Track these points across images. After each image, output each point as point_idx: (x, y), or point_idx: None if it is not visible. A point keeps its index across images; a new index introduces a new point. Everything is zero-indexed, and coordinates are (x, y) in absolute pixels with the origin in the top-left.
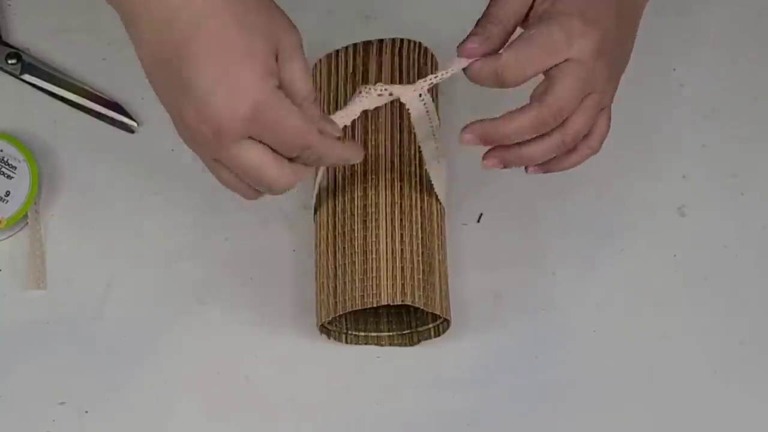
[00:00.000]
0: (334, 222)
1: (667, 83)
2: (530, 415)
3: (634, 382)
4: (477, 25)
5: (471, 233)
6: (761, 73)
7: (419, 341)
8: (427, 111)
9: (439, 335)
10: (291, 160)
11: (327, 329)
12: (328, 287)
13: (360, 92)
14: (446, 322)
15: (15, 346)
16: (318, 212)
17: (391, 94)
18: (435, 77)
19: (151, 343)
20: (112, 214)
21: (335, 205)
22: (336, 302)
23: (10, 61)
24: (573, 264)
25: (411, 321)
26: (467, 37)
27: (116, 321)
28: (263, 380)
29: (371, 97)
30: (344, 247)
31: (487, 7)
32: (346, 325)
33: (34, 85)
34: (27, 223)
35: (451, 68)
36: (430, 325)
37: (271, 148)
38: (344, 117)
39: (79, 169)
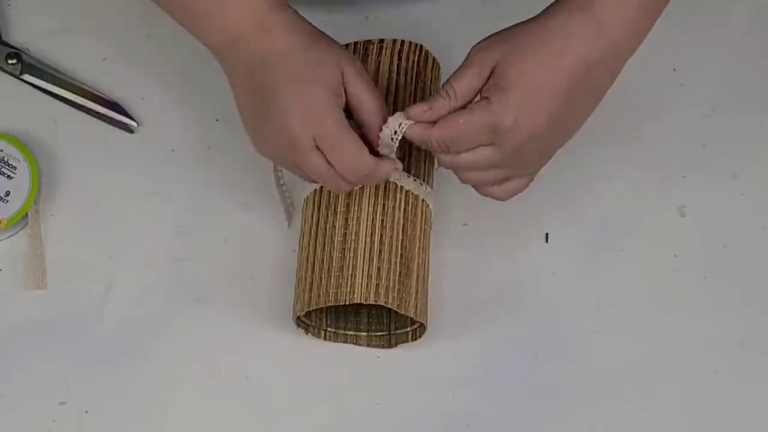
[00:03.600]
0: (318, 216)
1: (667, 83)
2: (530, 415)
3: (634, 382)
4: (443, 91)
5: (471, 233)
6: (761, 73)
7: (396, 344)
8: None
9: (416, 339)
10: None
11: (305, 324)
12: (305, 281)
13: None
14: (422, 327)
15: (15, 346)
16: (305, 205)
17: None
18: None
19: (151, 343)
20: (112, 214)
21: (320, 200)
22: (311, 297)
23: (10, 61)
24: (573, 264)
25: (390, 323)
26: (417, 104)
27: (116, 321)
28: (263, 380)
29: None
30: (324, 243)
31: (448, 80)
32: (326, 321)
33: (34, 85)
34: (27, 223)
35: (390, 125)
36: (408, 329)
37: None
38: None
39: (79, 169)
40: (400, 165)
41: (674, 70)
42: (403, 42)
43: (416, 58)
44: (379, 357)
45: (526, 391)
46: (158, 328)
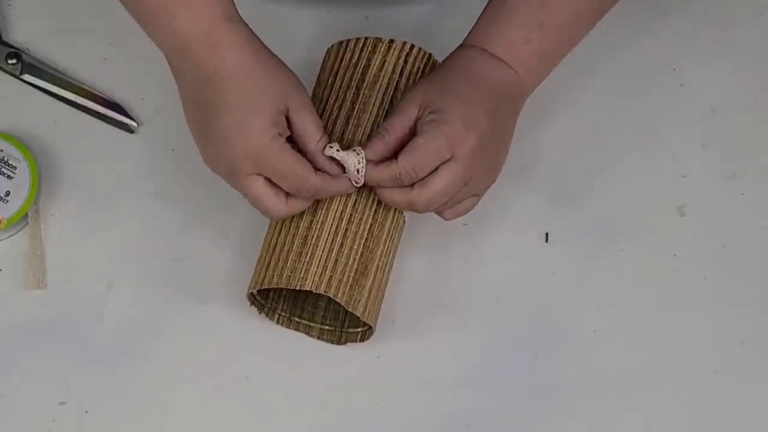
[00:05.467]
0: None
1: (667, 83)
2: (530, 414)
3: (634, 382)
4: (378, 132)
5: (471, 233)
6: (761, 73)
7: (346, 342)
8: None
9: (363, 340)
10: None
11: (260, 303)
12: (264, 260)
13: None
14: (370, 329)
15: (15, 346)
16: None
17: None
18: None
19: (151, 343)
20: (112, 214)
21: None
22: (265, 276)
23: (10, 61)
24: (573, 264)
25: (345, 320)
26: (371, 142)
27: (116, 321)
28: (263, 380)
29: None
30: (290, 227)
31: (385, 120)
32: (282, 305)
33: (34, 85)
34: (27, 223)
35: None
36: (359, 330)
37: (275, 184)
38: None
39: (79, 169)
40: (353, 182)
41: (674, 70)
42: (412, 46)
43: (422, 65)
44: (379, 357)
45: (526, 391)
46: (158, 328)
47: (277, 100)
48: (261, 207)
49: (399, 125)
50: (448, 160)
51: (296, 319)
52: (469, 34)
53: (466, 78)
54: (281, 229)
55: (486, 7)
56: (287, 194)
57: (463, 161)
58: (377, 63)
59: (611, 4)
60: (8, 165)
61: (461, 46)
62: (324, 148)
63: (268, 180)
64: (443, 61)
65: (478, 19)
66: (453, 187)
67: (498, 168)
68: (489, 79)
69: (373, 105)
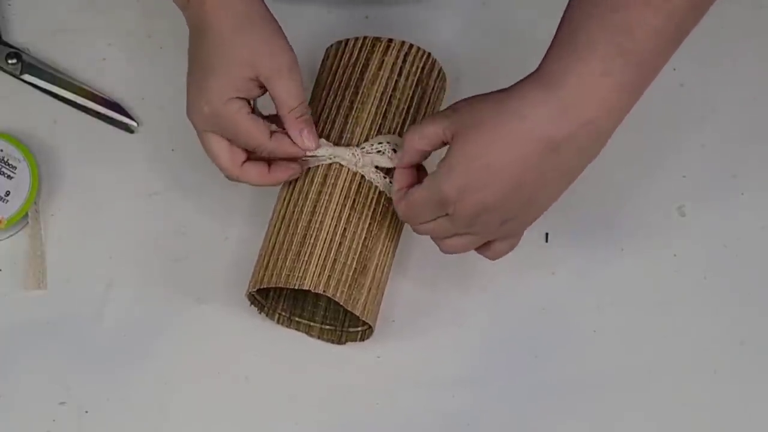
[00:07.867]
0: (290, 200)
1: (667, 83)
2: (530, 414)
3: (634, 382)
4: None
5: None
6: (761, 73)
7: (346, 341)
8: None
9: (363, 340)
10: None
11: (260, 303)
12: (264, 259)
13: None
14: (369, 328)
15: (15, 346)
16: (281, 187)
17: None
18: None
19: (151, 343)
20: (112, 214)
21: (295, 184)
22: (264, 275)
23: (10, 61)
24: (573, 264)
25: (345, 320)
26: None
27: (116, 321)
28: (263, 380)
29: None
30: (289, 226)
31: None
32: (283, 305)
33: (34, 85)
34: (27, 223)
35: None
36: (359, 329)
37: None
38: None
39: (79, 169)
40: (313, 147)
41: (674, 69)
42: (411, 46)
43: (421, 65)
44: (379, 357)
45: (525, 390)
46: (158, 328)
47: (243, 66)
48: (216, 163)
49: (432, 133)
50: (443, 215)
51: (296, 318)
52: (539, 66)
53: (502, 132)
54: (280, 229)
55: (555, 37)
56: (245, 160)
57: (457, 221)
58: (376, 62)
59: (692, 25)
60: (8, 165)
61: (529, 78)
62: (299, 117)
63: (229, 141)
64: (504, 91)
65: (548, 50)
66: (441, 233)
67: (529, 218)
68: (536, 135)
69: (372, 104)
